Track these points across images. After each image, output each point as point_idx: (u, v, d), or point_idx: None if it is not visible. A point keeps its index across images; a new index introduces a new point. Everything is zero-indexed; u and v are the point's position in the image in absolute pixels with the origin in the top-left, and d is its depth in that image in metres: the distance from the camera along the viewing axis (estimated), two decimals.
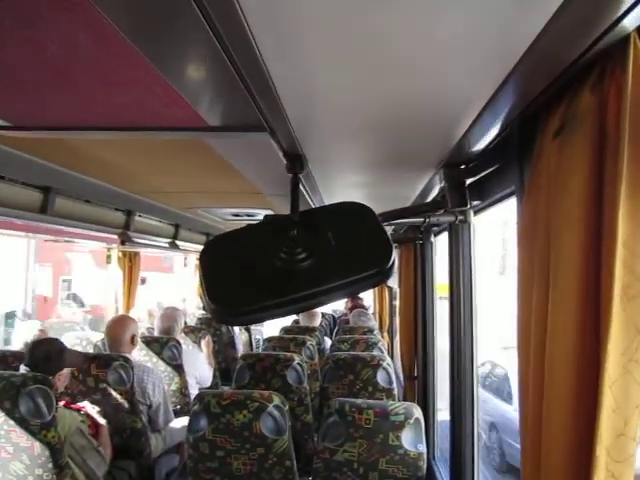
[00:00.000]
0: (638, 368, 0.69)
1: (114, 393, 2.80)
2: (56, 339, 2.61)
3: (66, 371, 2.48)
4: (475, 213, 1.72)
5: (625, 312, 0.69)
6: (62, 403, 2.42)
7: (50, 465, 2.12)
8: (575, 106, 0.78)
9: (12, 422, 2.06)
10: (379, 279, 1.03)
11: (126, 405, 2.82)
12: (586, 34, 0.69)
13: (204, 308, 5.98)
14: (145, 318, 4.82)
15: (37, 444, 2.09)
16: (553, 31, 0.66)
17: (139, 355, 3.42)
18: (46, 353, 2.38)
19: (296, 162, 1.33)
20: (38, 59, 0.78)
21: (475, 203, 1.58)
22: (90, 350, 3.83)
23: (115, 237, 3.27)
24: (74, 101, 0.98)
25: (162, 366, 3.58)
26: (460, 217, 1.65)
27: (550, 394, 0.78)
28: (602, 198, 0.74)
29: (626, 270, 0.69)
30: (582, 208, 0.77)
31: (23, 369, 2.33)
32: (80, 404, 2.61)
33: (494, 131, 1.14)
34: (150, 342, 3.57)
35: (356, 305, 6.58)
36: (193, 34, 0.68)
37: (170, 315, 3.98)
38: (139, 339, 3.37)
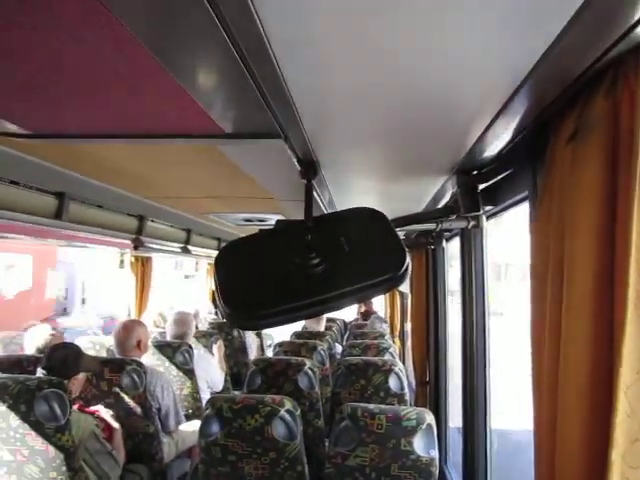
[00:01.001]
0: None
1: (127, 397, 2.82)
2: (73, 344, 2.64)
3: (81, 375, 2.52)
4: (487, 218, 1.72)
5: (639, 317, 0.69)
6: (76, 407, 2.44)
7: (64, 468, 2.14)
8: (588, 112, 0.78)
9: (27, 425, 2.08)
10: (392, 284, 1.03)
11: (139, 409, 2.84)
12: (599, 41, 0.70)
13: (216, 313, 6.01)
14: (159, 321, 4.84)
15: (51, 447, 2.11)
16: (567, 39, 0.67)
17: (151, 359, 3.44)
18: (64, 357, 2.42)
19: (310, 168, 1.34)
20: (56, 67, 0.80)
21: (487, 208, 1.58)
22: (103, 354, 3.87)
23: (128, 242, 3.30)
24: (90, 110, 1.00)
25: (174, 371, 3.60)
26: (472, 222, 1.65)
27: (564, 399, 0.78)
28: (615, 203, 0.74)
29: None
30: (595, 213, 0.77)
31: (40, 372, 2.36)
32: (94, 408, 2.64)
33: (507, 137, 1.14)
34: (162, 347, 3.59)
35: (369, 310, 6.60)
36: (209, 42, 0.69)
37: (183, 320, 3.99)
38: (150, 343, 3.39)
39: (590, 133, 0.77)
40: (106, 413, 2.65)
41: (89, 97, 0.92)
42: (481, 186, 1.52)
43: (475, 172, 1.48)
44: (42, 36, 0.71)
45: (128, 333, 3.17)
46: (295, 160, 1.30)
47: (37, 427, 2.09)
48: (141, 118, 1.03)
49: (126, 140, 1.18)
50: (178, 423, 3.19)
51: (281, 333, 4.20)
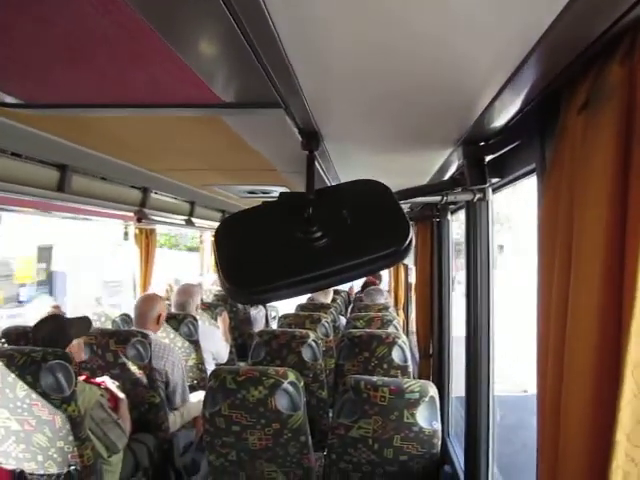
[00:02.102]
0: None
1: (132, 368, 2.85)
2: (57, 315, 2.64)
3: (76, 342, 2.52)
4: (494, 191, 1.69)
5: None
6: (82, 378, 2.47)
7: (71, 438, 2.17)
8: (602, 80, 0.75)
9: (34, 396, 2.11)
10: (396, 258, 1.01)
11: (144, 380, 2.88)
12: (616, 3, 0.66)
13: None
14: (168, 294, 4.87)
15: (58, 417, 2.14)
16: (580, 2, 0.63)
17: (158, 332, 3.48)
18: (50, 330, 2.43)
19: (311, 139, 1.31)
20: (48, 36, 0.77)
21: (494, 181, 1.55)
22: (109, 326, 3.90)
23: (131, 215, 3.30)
24: (86, 78, 0.97)
25: (179, 342, 3.63)
26: (479, 195, 1.63)
27: (570, 379, 0.76)
28: (629, 175, 0.71)
29: None
30: (607, 186, 0.74)
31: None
32: (99, 379, 2.67)
33: (515, 107, 1.11)
34: (168, 319, 3.62)
35: (368, 282, 6.57)
36: (206, 8, 0.66)
37: (186, 290, 4.03)
38: None
39: (604, 102, 0.74)
40: (112, 384, 2.68)
41: (83, 65, 0.89)
42: (488, 158, 1.49)
43: (482, 143, 1.44)
44: (34, 5, 0.68)
45: (151, 305, 3.21)
46: (296, 131, 1.27)
47: (43, 398, 2.11)
48: (139, 87, 1.01)
49: (124, 109, 1.15)
50: (184, 401, 3.24)
51: (287, 305, 4.22)
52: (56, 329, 2.45)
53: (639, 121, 0.69)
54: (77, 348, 2.53)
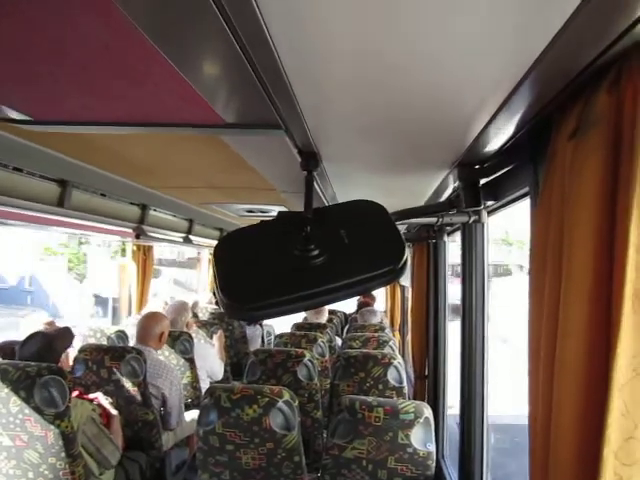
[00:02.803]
0: None
1: (127, 385, 2.84)
2: (40, 332, 2.63)
3: (64, 356, 2.52)
4: (489, 213, 1.72)
5: (636, 315, 0.69)
6: (75, 394, 2.46)
7: (63, 454, 2.16)
8: (591, 107, 0.78)
9: (27, 411, 2.10)
10: (391, 277, 1.03)
11: (138, 397, 2.86)
12: (603, 35, 0.69)
13: (216, 303, 6.02)
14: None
15: (50, 433, 2.12)
16: (570, 33, 0.66)
17: (159, 349, 3.47)
18: (38, 349, 2.43)
19: (310, 160, 1.34)
20: (57, 54, 0.80)
21: (489, 203, 1.58)
22: (104, 342, 3.88)
23: (130, 231, 3.31)
24: (92, 96, 1.00)
25: (174, 360, 3.62)
26: (474, 217, 1.65)
27: (559, 396, 0.78)
28: (616, 201, 0.74)
29: (638, 274, 0.69)
30: (596, 210, 0.76)
31: None
32: (92, 395, 2.65)
33: (509, 131, 1.14)
34: None
35: (363, 303, 6.55)
36: (210, 31, 0.69)
37: (175, 308, 4.04)
38: None
39: (592, 129, 0.77)
40: (104, 400, 2.66)
41: (89, 84, 0.92)
42: (482, 181, 1.51)
43: (477, 166, 1.47)
44: (42, 23, 0.70)
45: (155, 323, 3.21)
46: (296, 151, 1.30)
47: (37, 413, 2.10)
48: (141, 106, 1.03)
49: (127, 128, 1.18)
50: (179, 422, 3.22)
51: (283, 324, 4.21)
52: (44, 346, 2.45)
53: (626, 147, 0.72)
54: (66, 361, 2.53)
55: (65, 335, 2.64)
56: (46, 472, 2.18)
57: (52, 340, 2.51)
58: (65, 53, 0.80)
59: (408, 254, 1.04)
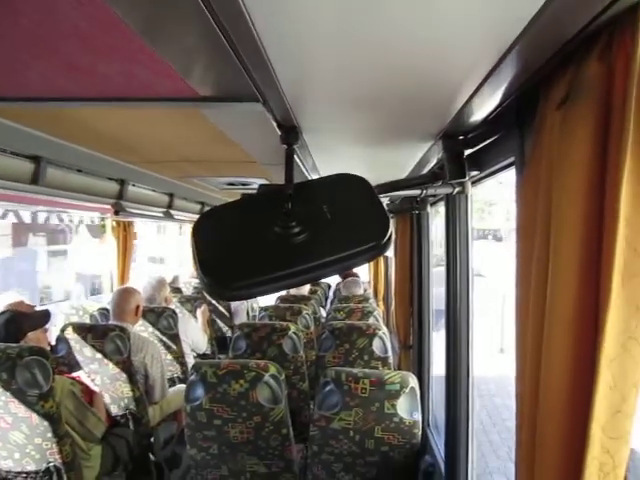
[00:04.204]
0: (637, 346, 0.68)
1: (111, 363, 2.82)
2: (10, 310, 2.58)
3: (33, 334, 2.48)
4: (473, 184, 1.70)
5: (625, 290, 0.68)
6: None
7: (50, 434, 2.14)
8: (581, 75, 0.75)
9: (9, 393, 2.07)
10: (375, 253, 1.01)
11: (123, 374, 2.84)
12: (592, 2, 0.66)
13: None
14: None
15: (35, 415, 2.11)
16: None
17: (136, 325, 3.45)
18: (3, 322, 2.39)
19: (290, 133, 1.30)
20: (15, 26, 0.74)
21: (473, 174, 1.56)
22: (87, 320, 3.85)
23: (109, 207, 3.25)
24: (58, 71, 0.94)
25: (158, 336, 3.61)
26: (458, 188, 1.63)
27: (547, 371, 0.77)
28: (605, 171, 0.72)
29: (627, 247, 0.68)
30: (584, 181, 0.74)
31: None
32: (75, 374, 2.63)
33: (495, 101, 1.11)
34: (146, 312, 3.58)
35: (347, 274, 6.57)
36: (181, 2, 0.65)
37: (152, 284, 4.02)
38: None
39: (582, 97, 0.74)
40: (86, 378, 2.65)
41: (53, 57, 0.87)
42: (467, 152, 1.49)
43: (461, 137, 1.45)
44: None
45: (128, 298, 3.19)
46: (275, 124, 1.26)
47: (19, 395, 2.08)
48: (112, 80, 0.98)
49: (97, 103, 1.13)
50: (163, 395, 3.23)
51: (267, 297, 4.21)
52: (8, 322, 2.41)
53: (616, 116, 0.70)
54: (38, 342, 2.49)
55: (36, 316, 2.59)
56: (32, 452, 2.17)
57: (18, 318, 2.47)
58: (28, 27, 0.75)
59: (393, 229, 1.02)
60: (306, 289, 5.06)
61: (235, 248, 1.02)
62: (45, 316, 2.63)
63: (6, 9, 0.69)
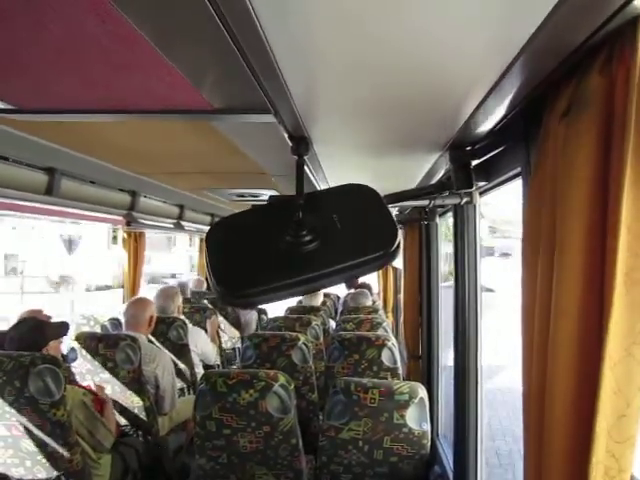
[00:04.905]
0: None
1: (122, 372, 2.85)
2: (33, 317, 2.63)
3: (53, 344, 2.52)
4: (480, 194, 1.72)
5: (628, 295, 0.69)
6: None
7: (60, 442, 2.16)
8: (583, 87, 0.77)
9: (22, 401, 2.10)
10: (384, 261, 1.03)
11: (134, 384, 2.86)
12: (596, 14, 0.68)
13: (207, 287, 6.02)
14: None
15: (47, 422, 2.13)
16: (562, 12, 0.65)
17: (149, 334, 3.47)
18: (27, 331, 2.42)
19: (301, 144, 1.32)
20: (40, 41, 0.78)
21: (481, 184, 1.58)
22: (97, 330, 3.88)
23: (120, 218, 3.29)
24: (77, 84, 0.98)
25: (169, 346, 3.62)
26: (465, 199, 1.65)
27: (553, 375, 0.78)
28: (608, 180, 0.74)
29: (630, 253, 0.69)
30: (587, 190, 0.76)
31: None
32: (86, 383, 2.66)
33: (501, 112, 1.13)
34: (156, 322, 3.60)
35: (352, 285, 6.57)
36: (195, 15, 0.68)
37: (164, 294, 4.03)
38: None
39: (584, 109, 0.76)
40: (97, 387, 2.67)
41: (74, 72, 0.90)
42: (474, 162, 1.51)
43: (468, 148, 1.47)
44: (25, 10, 0.69)
45: (143, 308, 3.22)
46: (286, 135, 1.29)
47: (32, 403, 2.10)
48: (128, 93, 1.01)
49: (114, 115, 1.16)
50: (173, 406, 3.24)
51: (276, 308, 4.22)
52: (34, 329, 2.44)
53: (617, 127, 0.71)
54: (55, 351, 2.52)
55: (56, 325, 2.63)
56: (44, 460, 2.19)
57: (43, 326, 2.50)
58: (53, 41, 0.78)
59: (401, 238, 1.04)
60: (320, 299, 5.07)
61: (247, 256, 1.04)
62: (65, 326, 2.68)
63: (34, 25, 0.72)
